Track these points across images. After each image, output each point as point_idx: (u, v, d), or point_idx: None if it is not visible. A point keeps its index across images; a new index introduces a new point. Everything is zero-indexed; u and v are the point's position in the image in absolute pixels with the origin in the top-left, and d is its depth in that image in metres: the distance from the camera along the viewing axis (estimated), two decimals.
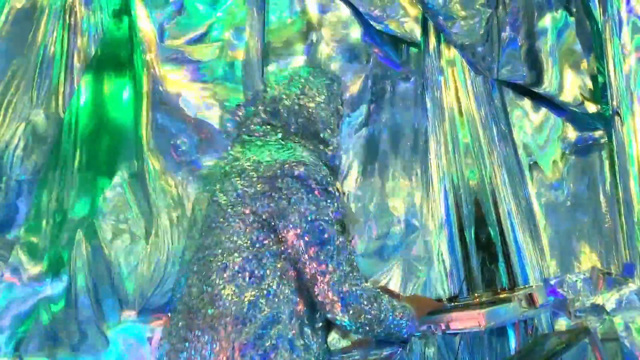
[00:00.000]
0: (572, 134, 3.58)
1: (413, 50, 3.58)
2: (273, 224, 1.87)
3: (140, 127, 3.45)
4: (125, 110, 3.49)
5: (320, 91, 2.01)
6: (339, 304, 1.84)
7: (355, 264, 1.89)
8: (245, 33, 3.51)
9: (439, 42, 3.55)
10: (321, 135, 1.99)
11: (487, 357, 2.97)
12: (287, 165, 1.88)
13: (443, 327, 2.05)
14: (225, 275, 1.88)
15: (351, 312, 1.85)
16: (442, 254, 3.36)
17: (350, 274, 1.86)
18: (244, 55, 3.47)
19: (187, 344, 1.89)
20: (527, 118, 3.61)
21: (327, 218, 1.86)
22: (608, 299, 1.69)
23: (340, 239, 1.88)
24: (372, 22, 3.54)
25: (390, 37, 3.60)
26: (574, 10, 3.66)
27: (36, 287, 3.17)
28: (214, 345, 1.84)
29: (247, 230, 1.88)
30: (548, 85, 3.55)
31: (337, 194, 1.91)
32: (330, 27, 3.64)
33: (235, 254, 1.88)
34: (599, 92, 3.55)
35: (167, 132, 3.52)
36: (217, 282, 1.88)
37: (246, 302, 1.85)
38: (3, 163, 3.24)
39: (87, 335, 3.16)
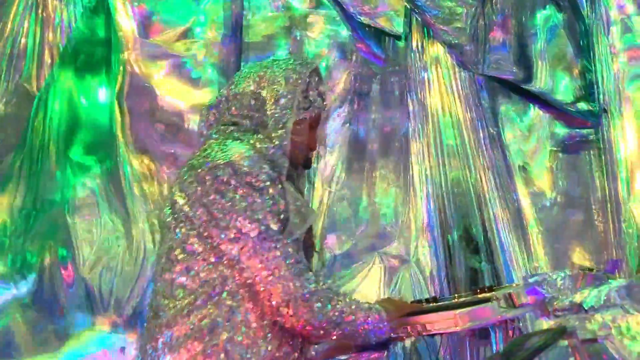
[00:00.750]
0: (561, 131, 3.53)
1: (398, 44, 3.51)
2: (207, 232, 1.79)
3: (116, 127, 3.37)
4: (101, 109, 3.41)
5: (277, 82, 1.90)
6: (286, 308, 1.74)
7: (303, 262, 1.79)
8: (225, 28, 3.43)
9: (423, 39, 3.49)
10: (268, 128, 1.88)
11: (470, 359, 2.91)
12: (214, 168, 1.79)
13: (419, 329, 1.96)
14: (166, 285, 1.81)
15: (301, 314, 1.75)
16: (423, 255, 3.30)
17: (298, 275, 1.75)
18: (220, 52, 3.39)
19: (140, 357, 1.84)
20: (516, 116, 3.55)
21: (260, 218, 1.75)
22: (586, 297, 1.61)
23: (280, 238, 1.77)
24: (359, 17, 3.47)
25: (375, 32, 3.52)
26: (564, 8, 3.60)
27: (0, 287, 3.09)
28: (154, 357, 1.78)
29: (185, 239, 1.80)
30: (538, 83, 3.48)
31: (275, 191, 1.79)
32: (314, 23, 3.57)
33: (175, 264, 1.81)
34: (588, 90, 3.49)
35: (148, 133, 3.44)
36: (160, 291, 1.83)
37: (182, 313, 1.77)
38: None
39: (53, 341, 3.07)
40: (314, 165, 3.41)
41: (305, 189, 2.21)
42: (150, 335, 1.82)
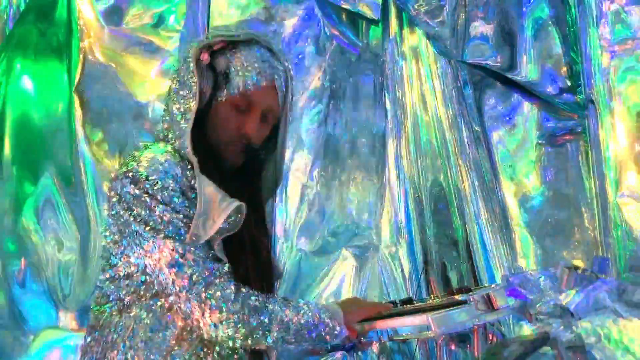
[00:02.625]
0: (548, 124, 3.41)
1: (375, 34, 3.37)
2: (119, 244, 1.69)
3: (75, 119, 3.20)
4: (58, 100, 3.25)
5: (180, 68, 1.75)
6: (200, 321, 1.61)
7: (217, 268, 1.63)
8: (192, 16, 3.27)
9: (402, 29, 3.35)
10: (177, 120, 1.73)
11: None
12: (115, 179, 1.70)
13: (390, 334, 1.80)
14: (96, 295, 1.76)
15: (219, 326, 1.60)
16: (400, 255, 3.20)
17: (209, 284, 1.61)
18: (186, 41, 3.23)
19: None
20: (501, 110, 3.43)
21: (160, 228, 1.62)
22: (573, 299, 1.44)
23: (185, 247, 1.62)
24: (337, 3, 3.32)
25: (351, 20, 3.38)
26: None
27: None
28: None
29: (108, 250, 1.73)
30: (523, 72, 3.35)
31: (177, 195, 1.64)
32: (289, 13, 3.42)
33: (103, 274, 1.74)
34: (575, 82, 3.36)
35: (111, 126, 3.28)
36: (94, 299, 1.79)
37: (99, 324, 1.70)
38: None
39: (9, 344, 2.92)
40: (286, 163, 3.29)
41: (270, 186, 2.02)
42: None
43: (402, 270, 3.16)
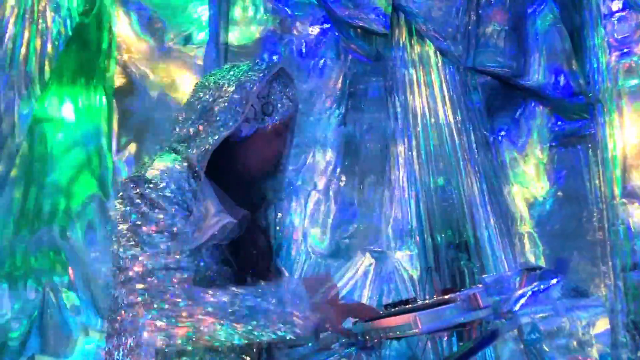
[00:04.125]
0: (557, 127, 3.42)
1: (385, 43, 3.45)
2: (120, 249, 1.78)
3: (112, 134, 3.34)
4: (96, 116, 3.39)
5: (225, 89, 1.84)
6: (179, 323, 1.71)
7: (206, 273, 1.77)
8: (210, 31, 3.39)
9: (411, 37, 3.42)
10: (188, 134, 1.85)
11: None
12: (123, 184, 1.80)
13: (382, 333, 1.91)
14: (111, 300, 1.88)
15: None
16: (409, 257, 3.25)
17: (188, 290, 1.71)
18: (208, 56, 3.34)
19: None
20: (509, 115, 3.45)
21: (152, 234, 1.72)
22: (517, 297, 1.55)
23: (171, 254, 1.72)
24: (345, 16, 3.41)
25: (362, 32, 3.47)
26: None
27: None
28: None
29: (115, 256, 1.81)
30: (533, 77, 3.38)
31: (179, 204, 1.74)
32: (304, 24, 3.53)
33: (114, 279, 1.84)
34: (585, 82, 3.38)
35: (149, 140, 3.41)
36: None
37: (111, 330, 1.85)
38: None
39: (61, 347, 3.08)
40: (306, 163, 3.37)
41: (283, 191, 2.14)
42: None
43: (411, 271, 3.22)
